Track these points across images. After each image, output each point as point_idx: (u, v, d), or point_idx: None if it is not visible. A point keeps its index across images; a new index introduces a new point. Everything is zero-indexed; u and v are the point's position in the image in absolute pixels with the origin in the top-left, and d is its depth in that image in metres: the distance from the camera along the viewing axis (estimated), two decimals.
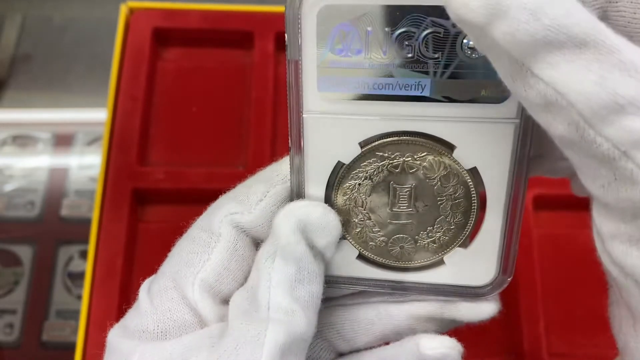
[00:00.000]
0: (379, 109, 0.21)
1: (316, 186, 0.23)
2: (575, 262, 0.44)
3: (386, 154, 0.22)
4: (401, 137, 0.22)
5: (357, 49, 0.20)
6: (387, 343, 0.25)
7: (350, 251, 0.24)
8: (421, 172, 0.22)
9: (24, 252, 0.54)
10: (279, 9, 0.49)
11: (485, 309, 0.24)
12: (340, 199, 0.23)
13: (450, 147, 0.22)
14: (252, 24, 0.49)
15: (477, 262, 0.23)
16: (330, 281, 0.24)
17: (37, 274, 0.53)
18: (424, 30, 0.20)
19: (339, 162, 0.22)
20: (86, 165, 0.58)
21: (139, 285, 0.24)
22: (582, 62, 0.15)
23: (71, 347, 0.40)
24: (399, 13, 0.20)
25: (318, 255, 0.22)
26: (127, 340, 0.22)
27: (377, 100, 0.21)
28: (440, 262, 0.24)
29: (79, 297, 0.52)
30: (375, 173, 0.22)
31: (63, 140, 0.59)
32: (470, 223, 0.23)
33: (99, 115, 0.53)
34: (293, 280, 0.21)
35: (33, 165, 0.58)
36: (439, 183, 0.22)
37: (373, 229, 0.23)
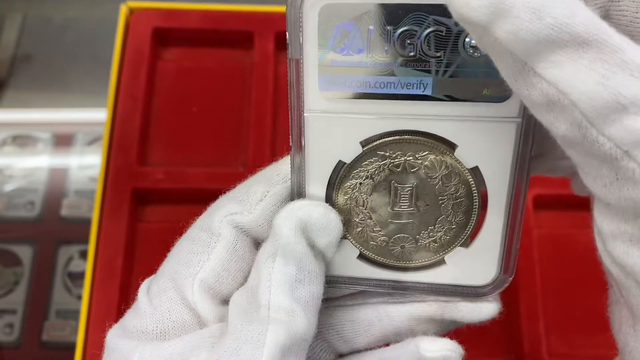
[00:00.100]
0: (380, 108, 0.21)
1: (317, 185, 0.22)
2: (575, 262, 0.44)
3: (387, 153, 0.22)
4: (403, 136, 0.21)
5: (359, 47, 0.20)
6: (387, 344, 0.25)
7: (350, 251, 0.24)
8: (422, 171, 0.22)
9: (24, 252, 0.54)
10: (279, 9, 0.49)
11: (485, 310, 0.24)
12: (341, 199, 0.23)
13: (451, 146, 0.22)
14: (252, 24, 0.49)
15: (478, 261, 0.23)
16: (330, 281, 0.24)
17: (37, 274, 0.53)
18: (425, 28, 0.20)
19: (340, 161, 0.22)
20: (86, 165, 0.58)
21: (139, 285, 0.24)
22: (585, 62, 0.15)
23: (71, 347, 0.40)
24: (400, 12, 0.20)
25: (319, 255, 0.22)
26: (126, 341, 0.22)
27: (378, 99, 0.21)
28: (441, 262, 0.24)
29: (79, 297, 0.52)
30: (376, 172, 0.22)
31: (63, 140, 0.59)
32: (472, 222, 0.23)
33: (99, 115, 0.53)
34: (293, 280, 0.21)
35: (33, 165, 0.58)
36: (441, 182, 0.22)
37: (374, 229, 0.23)
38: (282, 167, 0.23)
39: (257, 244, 0.23)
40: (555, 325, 0.42)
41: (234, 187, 0.24)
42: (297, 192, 0.23)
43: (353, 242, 0.23)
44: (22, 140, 0.59)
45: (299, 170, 0.22)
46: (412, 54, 0.20)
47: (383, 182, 0.22)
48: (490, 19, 0.16)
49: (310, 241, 0.21)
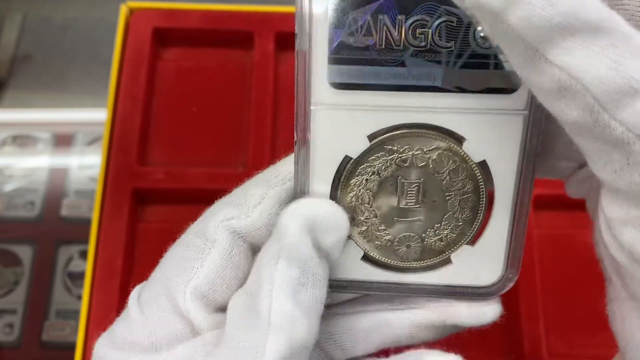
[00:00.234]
0: (389, 100, 0.21)
1: (322, 182, 0.22)
2: (575, 262, 0.44)
3: (395, 147, 0.21)
4: (411, 130, 0.21)
5: (370, 37, 0.20)
6: (385, 351, 0.24)
7: (354, 252, 0.23)
8: (430, 166, 0.22)
9: (24, 252, 0.54)
10: (279, 9, 0.49)
11: (487, 313, 0.23)
12: (345, 196, 0.22)
13: (459, 140, 0.21)
14: (252, 24, 0.49)
15: (484, 260, 0.23)
16: (332, 285, 0.23)
17: (37, 274, 0.53)
18: (437, 19, 0.20)
19: (346, 156, 0.21)
20: (86, 165, 0.58)
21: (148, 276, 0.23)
22: (597, 48, 0.16)
23: (71, 347, 0.40)
24: (412, 1, 0.20)
25: (323, 256, 0.21)
26: (116, 352, 0.22)
27: (388, 90, 0.21)
28: (447, 261, 0.23)
29: (79, 297, 0.52)
30: (383, 168, 0.22)
31: (63, 140, 0.59)
32: (478, 219, 0.23)
33: (99, 115, 0.53)
34: (296, 283, 0.20)
35: (33, 165, 0.58)
36: (448, 177, 0.22)
37: (379, 228, 0.23)
38: (280, 169, 0.23)
39: (254, 250, 0.23)
40: (555, 325, 0.42)
41: (232, 189, 0.23)
42: (300, 190, 0.22)
43: (357, 242, 0.23)
44: (22, 140, 0.59)
45: (303, 167, 0.22)
46: (423, 44, 0.20)
47: (390, 177, 0.22)
48: (504, 5, 0.16)
49: (316, 242, 0.20)
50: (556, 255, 0.44)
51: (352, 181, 0.22)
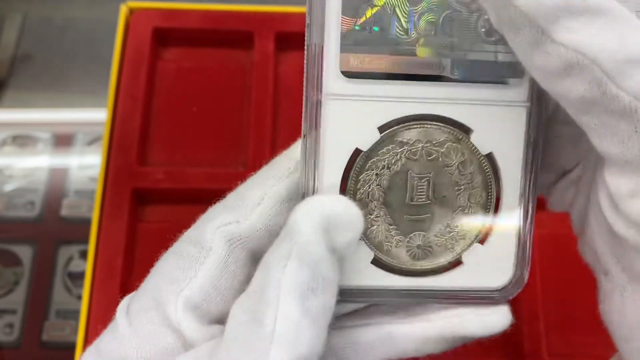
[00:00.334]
0: (399, 91, 0.21)
1: (332, 178, 0.21)
2: (576, 262, 0.43)
3: (405, 140, 0.21)
4: (420, 122, 0.21)
5: (382, 27, 0.21)
6: None
7: (364, 254, 0.22)
8: (440, 159, 0.22)
9: (24, 252, 0.54)
10: (279, 9, 0.49)
11: (497, 323, 0.22)
12: (356, 193, 0.22)
13: (467, 132, 0.22)
14: (252, 24, 0.49)
15: (495, 259, 0.23)
16: (340, 293, 0.21)
17: (37, 274, 0.53)
18: (444, 10, 0.21)
19: (356, 149, 0.21)
20: (86, 165, 0.58)
21: (138, 286, 0.23)
22: (600, 25, 0.17)
23: (71, 347, 0.40)
24: None
25: (335, 258, 0.20)
26: None
27: (398, 79, 0.21)
28: (458, 262, 0.23)
29: (79, 297, 0.52)
30: (393, 161, 0.22)
31: (63, 140, 0.59)
32: (488, 215, 0.22)
33: (99, 115, 0.53)
34: (306, 288, 0.18)
35: (33, 165, 0.58)
36: (457, 171, 0.22)
37: (389, 227, 0.22)
38: (277, 167, 0.22)
39: (255, 256, 0.22)
40: (555, 325, 0.42)
41: (230, 190, 0.23)
42: (308, 186, 0.21)
43: (367, 243, 0.22)
44: (22, 140, 0.59)
45: (311, 161, 0.21)
46: (432, 33, 0.21)
47: (400, 171, 0.22)
48: None
49: (330, 242, 0.19)
50: (556, 255, 0.44)
51: (361, 177, 0.22)
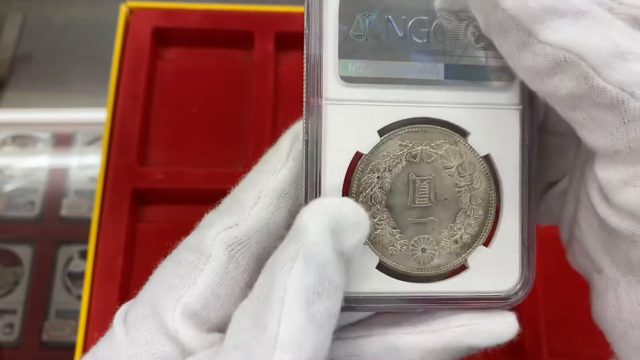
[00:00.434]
0: (397, 95, 0.22)
1: (334, 181, 0.22)
2: None
3: (404, 143, 0.22)
4: (419, 125, 0.22)
5: (378, 35, 0.22)
6: None
7: (369, 259, 0.22)
8: (439, 161, 0.22)
9: (24, 252, 0.54)
10: (279, 9, 0.49)
11: (504, 332, 0.22)
12: (358, 196, 0.22)
13: (464, 134, 0.22)
14: (252, 24, 0.49)
15: (500, 262, 0.23)
16: (345, 300, 0.21)
17: (37, 274, 0.53)
18: (435, 19, 0.22)
19: (357, 152, 0.22)
20: (86, 165, 0.58)
21: (139, 285, 0.23)
22: (584, 25, 0.18)
23: (71, 347, 0.40)
24: (413, 2, 0.22)
25: (341, 262, 0.19)
26: None
27: (395, 84, 0.22)
28: (464, 266, 0.23)
29: (79, 297, 0.52)
30: (394, 164, 0.22)
31: (63, 140, 0.59)
32: (490, 217, 0.23)
33: (99, 115, 0.53)
34: (311, 292, 0.18)
35: (33, 165, 0.58)
36: (457, 172, 0.22)
37: (393, 230, 0.22)
38: (268, 163, 0.22)
39: (258, 261, 0.21)
40: (555, 325, 0.42)
41: (227, 194, 0.23)
42: (311, 192, 0.21)
43: (372, 247, 0.22)
44: (22, 140, 0.59)
45: (313, 166, 0.21)
46: (425, 40, 0.22)
47: (401, 174, 0.22)
48: None
49: (337, 244, 0.19)
50: (556, 255, 0.44)
51: (363, 180, 0.22)
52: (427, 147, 0.22)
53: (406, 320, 0.22)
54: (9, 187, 0.57)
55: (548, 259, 0.44)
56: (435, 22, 0.22)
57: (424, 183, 0.22)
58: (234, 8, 0.49)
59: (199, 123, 0.47)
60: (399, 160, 0.22)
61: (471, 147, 0.22)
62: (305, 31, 0.21)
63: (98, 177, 0.43)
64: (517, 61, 0.19)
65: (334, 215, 0.19)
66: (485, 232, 0.23)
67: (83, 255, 0.54)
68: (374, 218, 0.22)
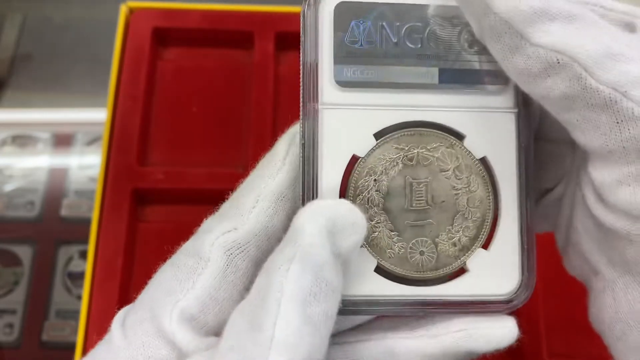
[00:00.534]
0: (392, 99, 0.22)
1: (331, 184, 0.22)
2: None
3: (400, 146, 0.22)
4: (414, 128, 0.22)
5: (372, 41, 0.22)
6: None
7: (367, 262, 0.22)
8: (435, 164, 0.22)
9: (24, 252, 0.54)
10: (279, 9, 0.49)
11: (504, 337, 0.22)
12: (355, 199, 0.22)
13: (459, 137, 0.22)
14: (252, 24, 0.49)
15: (500, 264, 0.23)
16: (343, 304, 0.20)
17: (37, 274, 0.53)
18: (428, 25, 0.22)
19: (354, 155, 0.22)
20: (86, 165, 0.58)
21: (139, 285, 0.22)
22: (575, 27, 0.18)
23: (71, 347, 0.40)
24: (406, 9, 0.22)
25: (339, 263, 0.19)
26: None
27: (390, 88, 0.22)
28: (463, 269, 0.22)
29: (79, 297, 0.52)
30: (390, 166, 0.22)
31: (63, 140, 0.59)
32: (488, 220, 0.23)
33: (99, 115, 0.53)
34: (308, 293, 0.18)
35: (33, 165, 0.58)
36: (454, 175, 0.22)
37: (390, 233, 0.22)
38: (265, 167, 0.22)
39: (258, 265, 0.21)
40: (555, 325, 0.42)
41: (233, 190, 0.23)
42: (308, 195, 0.22)
43: (370, 250, 0.22)
44: (22, 140, 0.59)
45: (310, 170, 0.22)
46: (419, 46, 0.22)
47: (397, 177, 0.22)
48: None
49: (334, 246, 0.19)
50: (556, 255, 0.44)
51: (360, 182, 0.22)
52: (424, 150, 0.22)
53: (405, 325, 0.22)
54: (9, 187, 0.57)
55: (547, 260, 0.44)
56: (428, 28, 0.22)
57: (420, 186, 0.22)
58: (234, 8, 0.49)
59: (199, 123, 0.47)
60: (395, 163, 0.22)
61: (467, 150, 0.22)
62: (302, 38, 0.22)
63: (98, 177, 0.43)
64: (510, 64, 0.19)
65: (331, 217, 0.19)
66: (483, 234, 0.23)
67: (83, 255, 0.54)
68: (371, 221, 0.22)
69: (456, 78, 0.22)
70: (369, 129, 0.22)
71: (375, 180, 0.22)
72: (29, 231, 0.55)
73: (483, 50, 0.22)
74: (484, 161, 0.23)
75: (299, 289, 0.18)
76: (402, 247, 0.22)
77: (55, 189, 0.56)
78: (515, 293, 0.23)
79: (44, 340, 0.51)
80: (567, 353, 0.42)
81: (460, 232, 0.23)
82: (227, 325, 0.19)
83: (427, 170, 0.22)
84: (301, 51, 0.22)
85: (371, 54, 0.22)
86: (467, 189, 0.22)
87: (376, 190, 0.22)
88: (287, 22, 0.48)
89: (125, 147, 0.44)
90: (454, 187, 0.22)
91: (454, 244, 0.22)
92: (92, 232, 0.42)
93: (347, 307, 0.21)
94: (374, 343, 0.22)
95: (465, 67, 0.22)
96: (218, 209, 0.23)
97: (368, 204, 0.22)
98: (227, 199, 0.23)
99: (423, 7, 0.22)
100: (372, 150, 0.22)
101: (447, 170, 0.22)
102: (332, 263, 0.19)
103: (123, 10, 0.48)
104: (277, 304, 0.17)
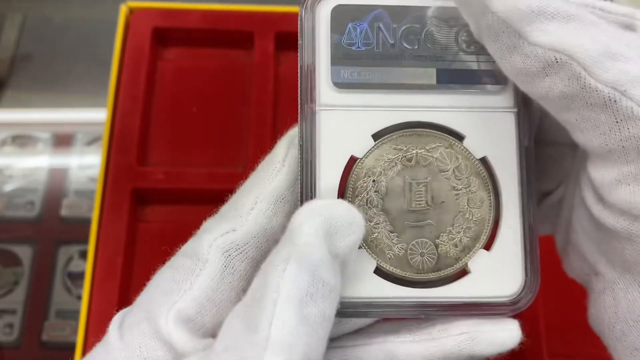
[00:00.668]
0: (391, 99, 0.22)
1: (329, 185, 0.22)
2: None
3: (399, 147, 0.22)
4: (413, 129, 0.22)
5: (369, 43, 0.22)
6: None
7: (366, 263, 0.22)
8: (434, 164, 0.22)
9: (24, 252, 0.54)
10: (279, 9, 0.49)
11: (506, 340, 0.22)
12: (354, 200, 0.22)
13: (459, 137, 0.22)
14: (252, 24, 0.49)
15: (502, 265, 0.22)
16: (341, 306, 0.20)
17: (37, 274, 0.53)
18: (425, 26, 0.23)
19: (352, 156, 0.22)
20: (86, 165, 0.58)
21: (139, 286, 0.23)
22: (573, 27, 0.18)
23: (71, 347, 0.40)
24: (403, 11, 0.23)
25: (336, 264, 0.19)
26: None
27: (388, 89, 0.22)
28: (465, 270, 0.22)
29: (79, 297, 0.52)
30: (389, 167, 0.22)
31: (63, 140, 0.59)
32: (490, 220, 0.22)
33: (99, 115, 0.53)
34: (304, 293, 0.18)
35: (33, 165, 0.58)
36: (453, 175, 0.22)
37: (390, 235, 0.22)
38: (264, 169, 0.22)
39: (256, 266, 0.21)
40: (555, 325, 0.42)
41: (234, 189, 0.23)
42: (307, 196, 0.21)
43: (369, 251, 0.22)
44: (22, 140, 0.59)
45: (309, 171, 0.22)
46: (416, 47, 0.22)
47: (396, 177, 0.22)
48: None
49: (331, 246, 0.19)
50: (556, 255, 0.44)
51: (359, 183, 0.22)
52: (422, 150, 0.22)
53: (405, 328, 0.22)
54: (9, 187, 0.57)
55: (548, 259, 0.44)
56: (425, 30, 0.22)
57: (420, 186, 0.22)
58: (234, 8, 0.49)
59: (199, 123, 0.47)
60: (394, 164, 0.22)
61: (467, 150, 0.22)
62: (299, 41, 0.22)
63: (98, 177, 0.44)
64: (508, 64, 0.19)
65: (328, 217, 0.19)
66: (485, 235, 0.22)
67: (83, 255, 0.54)
68: (370, 222, 0.22)
69: (454, 78, 0.22)
70: (367, 129, 0.22)
71: (374, 181, 0.22)
72: (29, 231, 0.55)
73: (481, 51, 0.22)
74: (484, 161, 0.22)
75: (295, 289, 0.18)
76: (402, 248, 0.22)
77: (55, 189, 0.56)
78: (519, 295, 0.22)
79: (44, 340, 0.51)
80: (567, 353, 0.42)
81: (461, 232, 0.22)
82: (223, 325, 0.19)
83: (427, 170, 0.22)
84: (299, 53, 0.22)
85: (368, 55, 0.22)
86: (468, 189, 0.22)
87: (375, 191, 0.22)
88: (287, 22, 0.48)
89: (125, 147, 0.44)
90: (454, 187, 0.22)
91: (455, 245, 0.22)
92: (92, 232, 0.42)
93: (346, 309, 0.21)
94: (374, 347, 0.22)
95: (463, 68, 0.22)
96: (218, 209, 0.23)
97: (367, 205, 0.22)
98: (227, 199, 0.23)
99: (420, 9, 0.23)
100: (371, 151, 0.22)
101: (447, 171, 0.22)
102: (329, 263, 0.18)
103: (123, 10, 0.48)
104: (273, 304, 0.17)
